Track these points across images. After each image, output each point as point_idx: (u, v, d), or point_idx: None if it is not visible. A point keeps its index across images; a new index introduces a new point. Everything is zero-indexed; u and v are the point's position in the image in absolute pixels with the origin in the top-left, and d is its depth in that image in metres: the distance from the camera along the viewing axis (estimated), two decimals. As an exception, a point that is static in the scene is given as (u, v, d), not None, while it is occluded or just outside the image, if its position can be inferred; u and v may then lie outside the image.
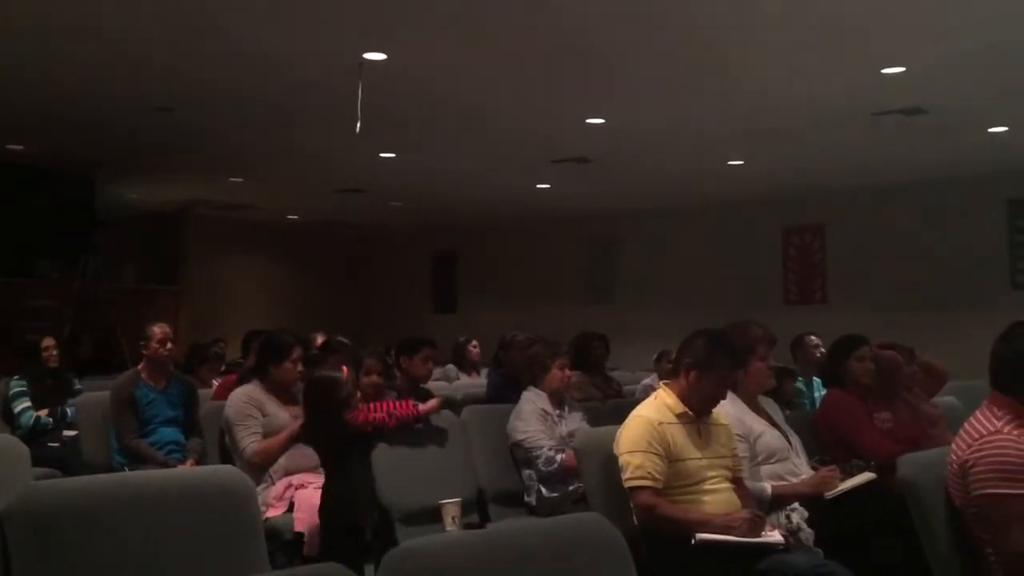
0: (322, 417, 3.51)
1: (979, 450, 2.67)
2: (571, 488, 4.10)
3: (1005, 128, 7.68)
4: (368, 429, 3.68)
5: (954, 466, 2.75)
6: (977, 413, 2.82)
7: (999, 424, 2.70)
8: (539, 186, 10.77)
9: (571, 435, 4.18)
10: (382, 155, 9.10)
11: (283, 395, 4.33)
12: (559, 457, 4.14)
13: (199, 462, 4.77)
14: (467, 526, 3.69)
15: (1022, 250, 9.63)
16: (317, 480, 3.81)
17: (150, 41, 5.82)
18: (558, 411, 4.44)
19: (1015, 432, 2.67)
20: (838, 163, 9.18)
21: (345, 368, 3.61)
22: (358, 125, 6.52)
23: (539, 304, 12.88)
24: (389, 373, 4.63)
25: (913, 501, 2.78)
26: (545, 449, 4.19)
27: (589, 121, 7.62)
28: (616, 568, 1.93)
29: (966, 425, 2.82)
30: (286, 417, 4.19)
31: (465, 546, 1.84)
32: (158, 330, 5.20)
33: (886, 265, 10.37)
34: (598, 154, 8.92)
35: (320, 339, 6.79)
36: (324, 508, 3.51)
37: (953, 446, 2.81)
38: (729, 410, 3.57)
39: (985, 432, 2.70)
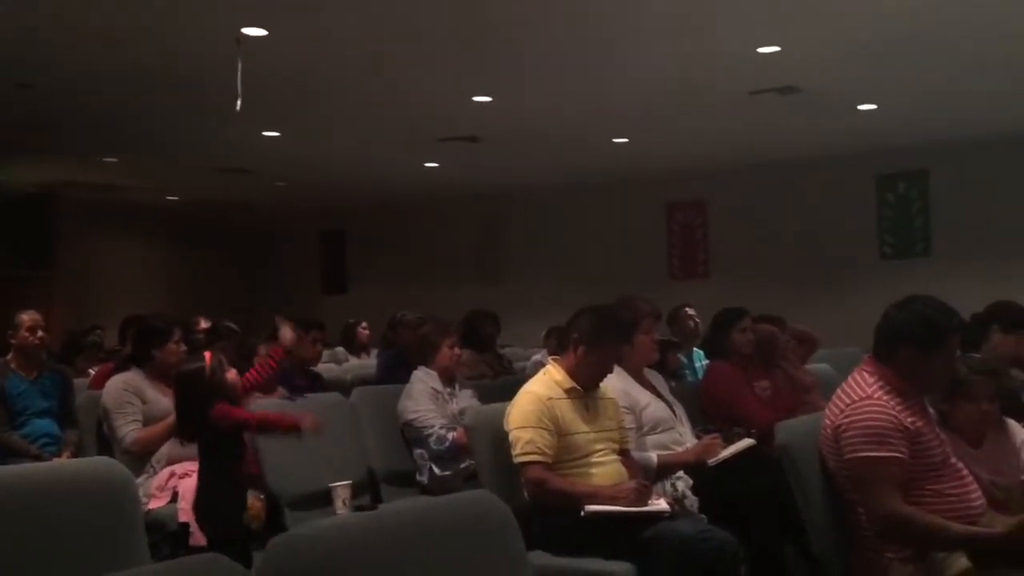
0: (192, 411, 3.37)
1: (851, 415, 2.77)
2: (462, 466, 4.12)
3: (874, 106, 8.02)
4: (252, 422, 3.60)
5: (827, 431, 2.86)
6: (850, 379, 2.93)
7: (870, 390, 2.79)
8: (427, 165, 10.70)
9: (462, 413, 4.19)
10: (265, 133, 8.88)
11: (166, 380, 4.19)
12: (450, 436, 4.15)
13: (75, 454, 4.58)
14: (358, 508, 3.66)
15: (889, 223, 10.12)
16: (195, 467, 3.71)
17: (6, 15, 5.51)
18: (448, 390, 4.45)
19: (885, 397, 2.76)
20: (718, 141, 9.43)
21: (208, 354, 3.46)
22: (238, 103, 6.33)
23: (430, 283, 12.84)
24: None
25: (789, 465, 2.89)
26: (436, 428, 4.19)
27: (476, 99, 7.60)
28: (506, 544, 1.94)
29: (839, 391, 2.92)
30: (168, 403, 4.06)
31: (354, 529, 1.82)
32: (27, 318, 4.96)
33: (765, 239, 10.72)
34: (486, 132, 8.92)
35: (203, 323, 6.62)
36: (197, 507, 3.38)
37: (827, 411, 2.91)
38: (616, 384, 3.64)
39: (857, 398, 2.80)
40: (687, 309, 6.62)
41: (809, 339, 5.31)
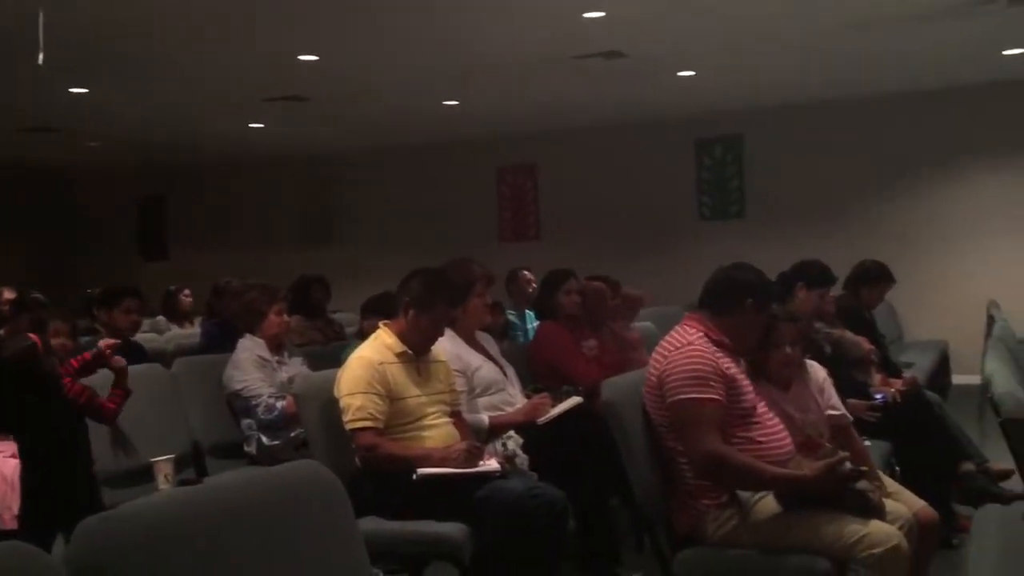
0: (21, 401, 3.13)
1: (673, 361, 2.92)
2: (292, 435, 4.03)
3: (693, 72, 8.32)
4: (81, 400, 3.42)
5: (652, 379, 2.99)
6: (672, 332, 3.08)
7: (692, 338, 2.97)
8: (252, 125, 10.33)
9: (291, 381, 4.10)
10: (73, 90, 8.31)
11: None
12: (279, 404, 4.05)
13: None
14: (183, 483, 3.53)
15: (707, 185, 10.57)
16: (7, 448, 3.47)
17: None
18: (277, 357, 4.33)
19: (706, 345, 2.95)
20: (546, 104, 9.55)
21: (35, 337, 3.23)
22: (40, 56, 5.88)
23: (257, 248, 12.46)
24: (75, 333, 4.25)
25: (614, 420, 3.00)
26: (264, 397, 4.08)
27: (301, 58, 7.38)
28: (333, 513, 1.91)
29: (662, 342, 3.07)
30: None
31: (173, 504, 1.75)
32: None
33: (592, 202, 10.99)
34: (313, 93, 8.69)
35: (7, 294, 6.18)
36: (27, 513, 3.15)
37: (651, 362, 3.05)
38: (447, 346, 3.65)
39: (679, 345, 2.96)
40: (525, 272, 6.70)
41: (634, 300, 5.48)
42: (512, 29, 6.76)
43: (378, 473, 3.15)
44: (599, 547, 3.69)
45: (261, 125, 10.32)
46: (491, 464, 3.22)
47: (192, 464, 4.04)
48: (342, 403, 3.21)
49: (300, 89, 8.54)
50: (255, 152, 12.04)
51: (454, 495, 3.07)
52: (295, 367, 4.38)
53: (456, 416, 3.46)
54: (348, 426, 3.18)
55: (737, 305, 3.02)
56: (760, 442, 2.90)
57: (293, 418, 3.90)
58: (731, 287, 3.07)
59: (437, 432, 3.29)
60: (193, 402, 4.22)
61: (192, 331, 7.27)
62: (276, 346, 4.39)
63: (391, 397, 3.23)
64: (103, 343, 3.79)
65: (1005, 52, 7.91)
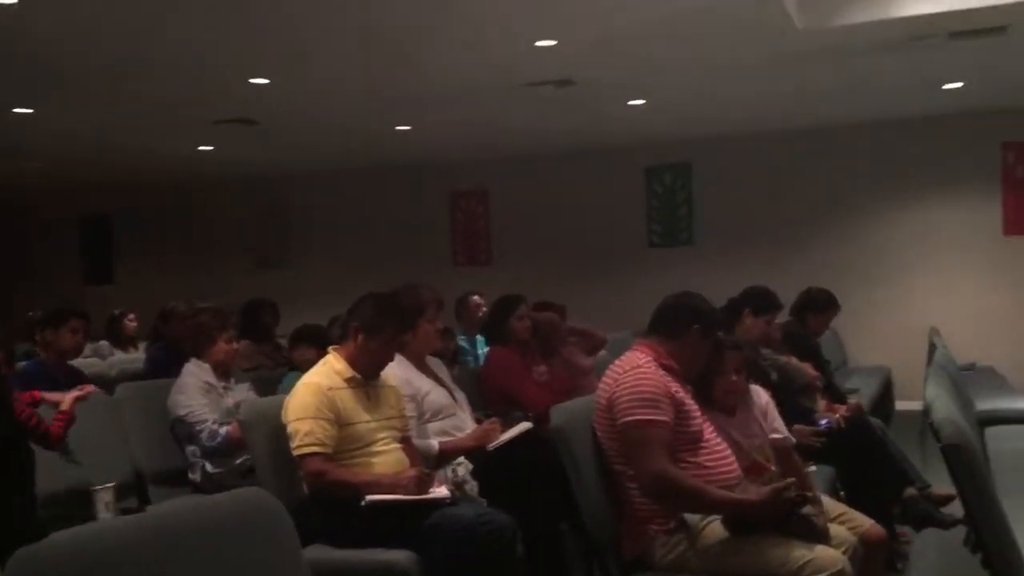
0: None
1: (623, 383, 2.95)
2: (237, 462, 3.97)
3: (643, 101, 8.43)
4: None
5: (602, 402, 3.01)
6: (623, 357, 3.11)
7: (642, 362, 3.01)
8: (200, 148, 10.22)
9: (237, 406, 4.04)
10: (16, 110, 8.15)
11: None
12: (223, 430, 3.99)
13: None
14: (124, 511, 3.45)
15: (657, 212, 10.69)
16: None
17: None
18: (223, 383, 4.27)
19: (655, 369, 2.99)
20: (499, 131, 9.60)
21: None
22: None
23: (207, 271, 12.30)
24: (11, 359, 4.17)
25: (563, 445, 3.00)
26: (209, 423, 4.02)
27: (253, 81, 7.33)
28: (278, 541, 1.89)
29: (611, 367, 3.10)
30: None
31: (112, 533, 1.71)
32: None
33: (543, 228, 11.05)
34: (264, 116, 8.63)
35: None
36: None
37: (601, 385, 3.08)
38: (397, 371, 3.63)
39: (629, 368, 3.00)
40: (475, 297, 6.71)
41: (598, 340, 5.46)
42: (465, 56, 6.80)
43: (326, 500, 3.12)
44: (548, 573, 3.68)
45: (210, 147, 10.22)
46: (441, 491, 3.20)
47: (134, 492, 3.95)
48: (290, 428, 3.17)
49: (250, 112, 8.48)
50: (206, 173, 11.91)
51: (403, 522, 3.04)
52: (242, 393, 4.32)
53: (406, 442, 3.44)
54: (296, 452, 3.14)
55: (684, 330, 3.08)
56: (708, 467, 2.93)
57: (238, 444, 3.84)
58: (678, 313, 3.14)
59: (387, 458, 3.27)
60: (136, 428, 4.14)
61: (136, 356, 7.15)
62: (223, 372, 4.33)
63: (340, 423, 3.20)
64: (78, 393, 3.74)
65: (944, 86, 8.14)
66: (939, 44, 6.57)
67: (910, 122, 9.37)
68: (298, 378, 3.38)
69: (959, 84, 8.07)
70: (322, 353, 3.51)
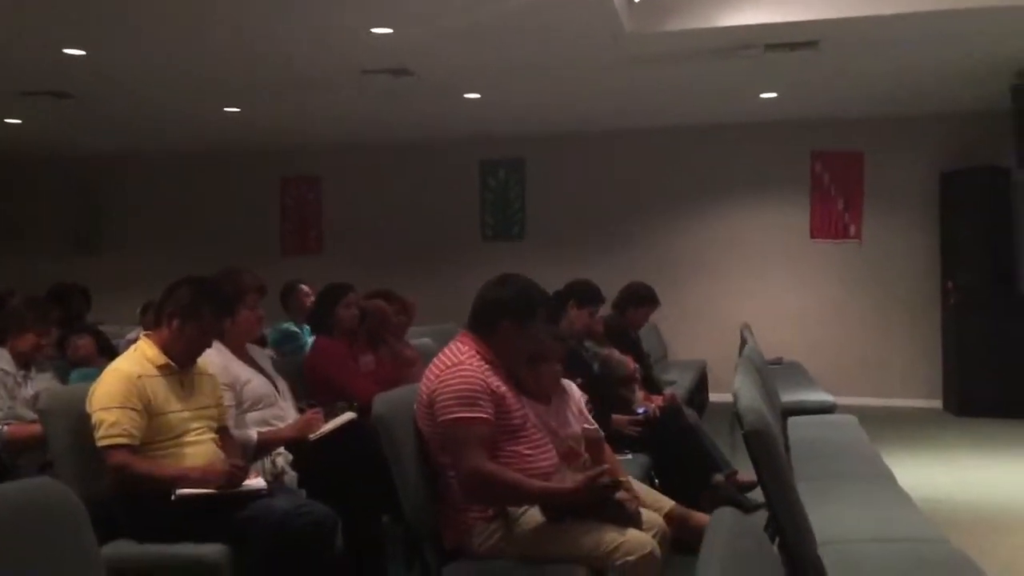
0: None
1: (444, 380, 2.93)
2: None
3: (478, 96, 8.48)
4: None
5: (423, 397, 3.00)
6: (446, 349, 3.10)
7: (463, 357, 2.99)
8: (8, 121, 9.52)
9: (36, 397, 3.78)
10: None
11: None
12: (3, 429, 3.72)
13: None
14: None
15: (490, 206, 10.79)
16: None
17: None
18: (23, 372, 4.00)
19: (476, 363, 2.97)
20: (334, 117, 9.43)
21: None
22: None
23: (13, 254, 11.47)
24: None
25: (385, 435, 2.97)
26: None
27: (67, 51, 6.88)
28: (68, 534, 1.78)
29: (434, 360, 3.08)
30: None
31: None
32: None
33: (377, 217, 10.95)
34: (79, 89, 8.12)
35: None
36: None
37: (424, 380, 3.05)
38: (215, 359, 3.51)
39: (451, 364, 2.98)
40: (303, 286, 6.56)
41: (410, 306, 5.45)
42: (300, 39, 6.62)
43: (132, 493, 2.97)
44: (368, 565, 3.65)
45: (18, 121, 9.54)
46: (256, 482, 3.11)
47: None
48: (94, 418, 3.00)
49: (64, 85, 7.96)
50: (11, 150, 11.10)
51: (215, 516, 2.94)
52: (44, 381, 4.06)
53: (223, 432, 3.33)
54: (100, 443, 2.97)
55: (495, 326, 3.05)
56: (528, 455, 2.97)
57: (26, 444, 3.59)
58: (487, 309, 3.09)
59: (199, 449, 3.14)
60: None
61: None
62: (23, 362, 4.05)
63: (150, 412, 3.06)
64: None
65: (761, 96, 8.60)
66: (756, 55, 6.93)
67: (730, 128, 9.86)
68: (84, 376, 3.20)
69: (774, 94, 8.55)
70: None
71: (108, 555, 2.84)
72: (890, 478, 3.80)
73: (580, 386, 3.57)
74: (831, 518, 2.96)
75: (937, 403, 9.31)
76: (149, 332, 3.32)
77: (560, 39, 6.62)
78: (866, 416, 5.63)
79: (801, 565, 2.60)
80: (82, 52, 6.90)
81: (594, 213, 10.34)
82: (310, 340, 5.88)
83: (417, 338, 5.44)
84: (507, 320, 3.04)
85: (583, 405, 3.44)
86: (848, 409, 6.09)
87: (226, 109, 8.99)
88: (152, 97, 8.46)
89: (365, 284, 5.40)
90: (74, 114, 9.03)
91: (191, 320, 3.22)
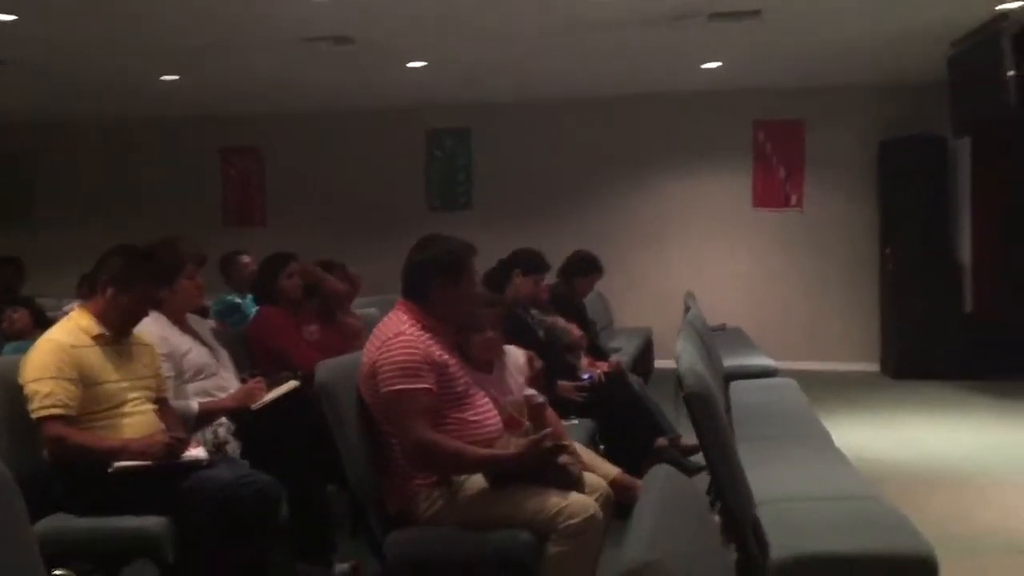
0: None
1: (386, 351, 2.92)
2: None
3: (424, 63, 8.39)
4: None
5: (365, 367, 2.98)
6: (385, 319, 3.08)
7: (404, 327, 2.97)
8: (-67, 87, 9.20)
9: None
10: None
11: None
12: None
13: None
14: None
15: (437, 175, 10.73)
16: None
17: None
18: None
19: (417, 333, 2.96)
20: (275, 86, 9.27)
21: None
22: None
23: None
24: None
25: (329, 403, 2.95)
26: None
27: (-3, 16, 6.66)
28: (4, 508, 1.73)
29: (375, 330, 3.06)
30: None
31: None
32: None
33: (320, 188, 10.82)
34: (9, 55, 7.86)
35: None
36: None
37: (366, 351, 3.03)
38: (153, 329, 3.46)
39: (391, 335, 2.96)
40: (244, 256, 6.45)
41: (356, 280, 5.43)
42: (240, 5, 6.49)
43: (69, 466, 2.91)
44: (313, 534, 3.64)
45: (-55, 87, 9.23)
46: (197, 452, 3.08)
47: None
48: (28, 390, 2.94)
49: (-6, 50, 7.71)
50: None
51: (155, 488, 2.90)
52: (-24, 354, 3.95)
53: (162, 403, 3.28)
54: (34, 415, 2.91)
55: (428, 287, 3.02)
56: (472, 422, 2.98)
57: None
58: (416, 272, 3.06)
59: (137, 420, 3.09)
60: None
61: None
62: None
63: (85, 383, 3.00)
64: None
65: (703, 66, 8.64)
66: (700, 24, 6.96)
67: (674, 96, 9.90)
68: (17, 349, 3.13)
69: (717, 64, 8.60)
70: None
71: (44, 530, 2.81)
72: (828, 439, 3.88)
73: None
74: (770, 479, 3.02)
75: (875, 366, 9.54)
76: (84, 302, 3.25)
77: (501, 5, 6.57)
78: (806, 380, 5.74)
79: (740, 525, 2.65)
80: (14, 17, 6.68)
81: (540, 183, 10.34)
82: (253, 310, 5.83)
83: (363, 308, 5.40)
84: (437, 279, 3.01)
85: (528, 363, 3.44)
86: (789, 373, 6.20)
87: (164, 77, 8.79)
88: (85, 64, 8.23)
89: (310, 255, 5.34)
90: (5, 81, 8.75)
91: (125, 289, 3.16)
